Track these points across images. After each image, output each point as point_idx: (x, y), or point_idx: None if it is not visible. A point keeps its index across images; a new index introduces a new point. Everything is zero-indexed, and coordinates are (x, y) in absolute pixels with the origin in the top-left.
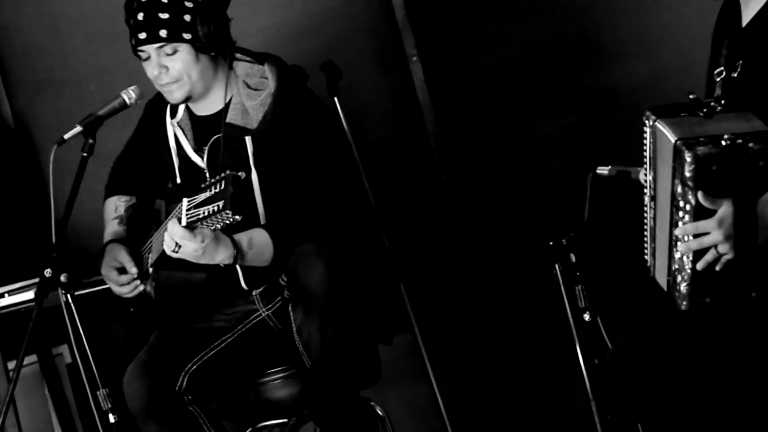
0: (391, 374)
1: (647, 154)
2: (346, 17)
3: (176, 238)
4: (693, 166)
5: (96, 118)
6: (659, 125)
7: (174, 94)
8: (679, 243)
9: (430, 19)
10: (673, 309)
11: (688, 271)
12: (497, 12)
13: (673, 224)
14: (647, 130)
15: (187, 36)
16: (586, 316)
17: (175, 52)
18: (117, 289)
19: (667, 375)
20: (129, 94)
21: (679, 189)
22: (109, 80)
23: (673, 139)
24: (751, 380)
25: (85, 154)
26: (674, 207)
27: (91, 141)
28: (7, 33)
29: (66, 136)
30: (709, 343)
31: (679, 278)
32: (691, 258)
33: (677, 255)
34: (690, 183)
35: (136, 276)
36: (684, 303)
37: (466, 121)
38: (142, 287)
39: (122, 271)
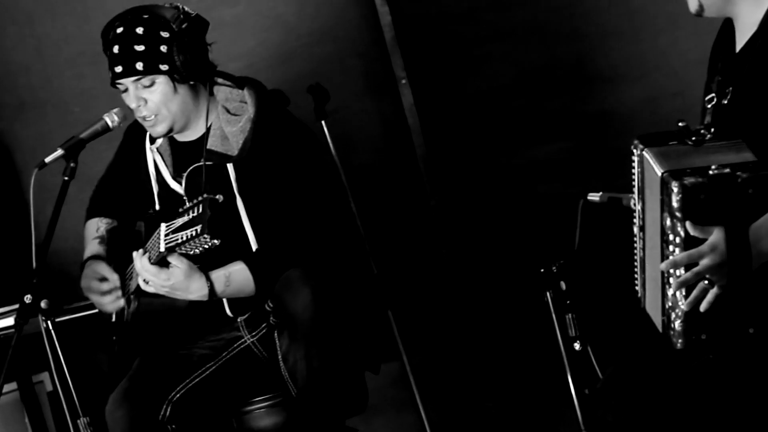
0: (378, 403)
1: (636, 183)
2: (334, 39)
3: (145, 275)
4: (680, 195)
5: (78, 141)
6: (646, 155)
7: (156, 128)
8: (671, 279)
9: (420, 41)
10: (663, 340)
11: (682, 307)
12: (489, 35)
13: (665, 260)
14: (635, 159)
15: (164, 67)
16: (577, 345)
17: (152, 83)
18: (99, 300)
19: (658, 407)
20: (112, 117)
21: (668, 222)
22: (92, 102)
23: (659, 171)
24: (744, 413)
25: (66, 178)
26: (664, 242)
27: (72, 164)
28: None
29: (47, 160)
30: (702, 375)
31: (673, 315)
32: (684, 293)
33: (670, 292)
34: (678, 214)
35: (117, 284)
36: (679, 341)
37: (456, 145)
38: (122, 301)
39: (103, 281)
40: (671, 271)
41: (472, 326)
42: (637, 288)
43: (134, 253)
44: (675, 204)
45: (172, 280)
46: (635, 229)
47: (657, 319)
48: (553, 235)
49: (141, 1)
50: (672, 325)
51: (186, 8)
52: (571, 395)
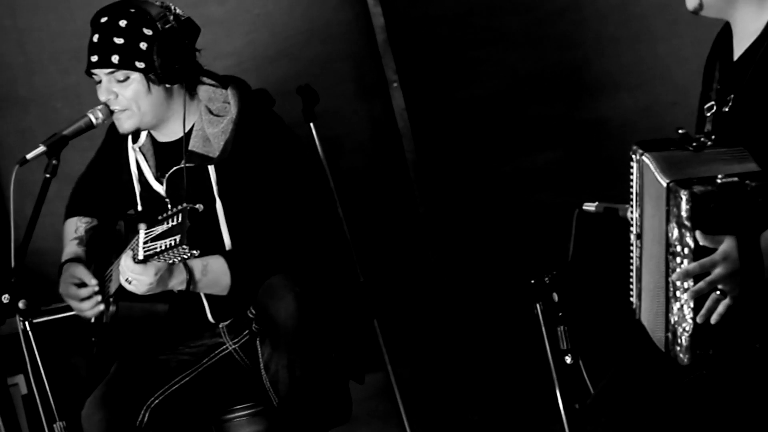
0: (362, 414)
1: (633, 190)
2: (325, 40)
3: (129, 275)
4: (690, 204)
5: (60, 138)
6: (646, 160)
7: (123, 124)
8: (678, 292)
9: (413, 43)
10: (659, 353)
11: (690, 321)
12: (484, 39)
13: (671, 274)
14: (634, 165)
15: (140, 65)
16: (568, 359)
17: (126, 78)
18: (77, 306)
19: (651, 423)
20: (96, 114)
21: (675, 233)
22: (75, 99)
23: (665, 181)
24: (740, 430)
25: (48, 176)
26: (671, 255)
27: (54, 162)
28: None
29: (29, 156)
30: (697, 390)
31: (679, 330)
32: (692, 306)
33: (676, 306)
34: (687, 223)
35: (96, 288)
36: (686, 357)
37: (447, 151)
38: (102, 306)
39: (82, 286)
40: (678, 284)
41: (460, 337)
42: (631, 299)
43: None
44: (684, 213)
45: (160, 272)
46: (632, 237)
47: (657, 335)
48: (545, 246)
49: None
50: (678, 341)
51: (177, 10)
52: (559, 410)
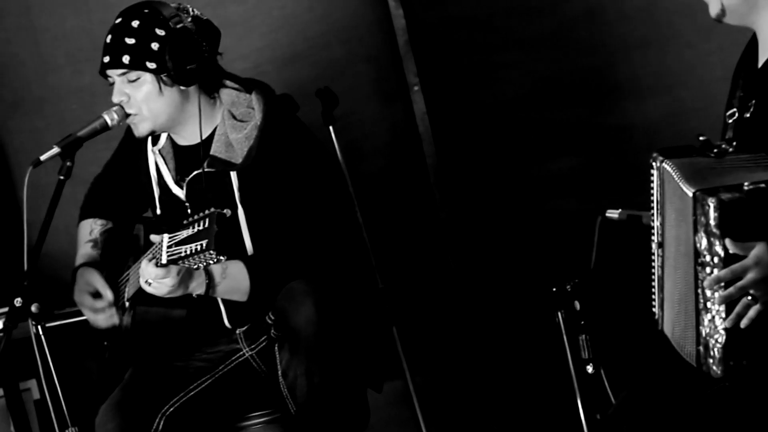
0: (379, 423)
1: (654, 198)
2: (345, 42)
3: (150, 279)
4: (718, 212)
5: (75, 140)
6: (667, 167)
7: (137, 128)
8: (708, 303)
9: (434, 47)
10: (681, 364)
11: (722, 332)
12: (507, 43)
13: (700, 286)
14: (654, 172)
15: (151, 65)
16: (589, 368)
17: (138, 79)
18: (92, 316)
19: None
20: (111, 115)
21: (704, 242)
22: (90, 99)
23: (691, 191)
24: None
25: (62, 177)
26: (699, 265)
27: (69, 163)
28: None
29: (42, 158)
30: (721, 401)
31: (711, 342)
32: (723, 316)
33: (707, 318)
34: (716, 231)
35: (111, 301)
36: (719, 369)
37: (468, 156)
38: (116, 319)
39: (97, 295)
40: (709, 293)
41: (480, 345)
42: (654, 309)
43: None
44: (713, 222)
45: (181, 273)
46: (653, 246)
47: (687, 350)
48: (567, 253)
49: None
50: (711, 353)
51: (196, 11)
52: (580, 420)
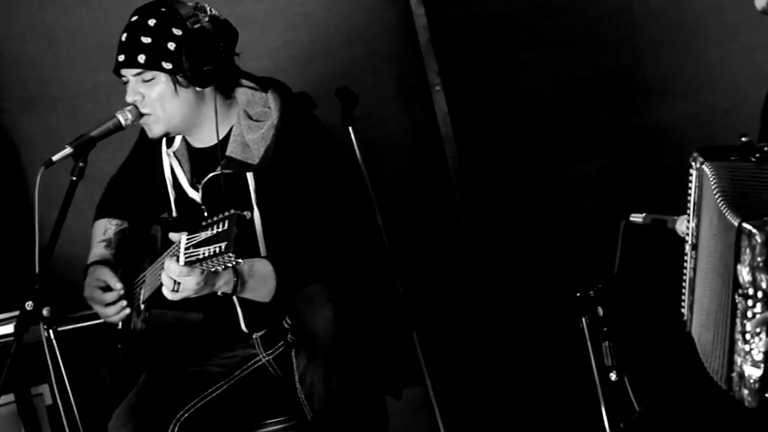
0: (398, 430)
1: (692, 198)
2: (365, 40)
3: (174, 276)
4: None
5: (88, 140)
6: (708, 171)
7: (151, 129)
8: (748, 335)
9: (457, 45)
10: (705, 371)
11: (761, 367)
12: (531, 42)
13: (739, 315)
14: (693, 173)
15: (167, 65)
16: (613, 375)
17: (152, 79)
18: (102, 311)
19: None
20: (125, 115)
21: (747, 275)
22: (104, 99)
23: (736, 221)
24: None
25: (74, 178)
26: (741, 296)
27: (81, 164)
28: None
29: (55, 158)
30: (747, 411)
31: (747, 372)
32: (762, 350)
33: (745, 348)
34: (762, 265)
35: (122, 293)
36: (755, 401)
37: (490, 157)
38: (128, 310)
39: (107, 290)
40: (748, 327)
41: (501, 352)
42: (683, 311)
43: (158, 262)
44: (760, 258)
45: (206, 271)
46: (686, 248)
47: (713, 365)
48: (591, 257)
49: None
50: (747, 383)
51: (213, 11)
52: (604, 429)
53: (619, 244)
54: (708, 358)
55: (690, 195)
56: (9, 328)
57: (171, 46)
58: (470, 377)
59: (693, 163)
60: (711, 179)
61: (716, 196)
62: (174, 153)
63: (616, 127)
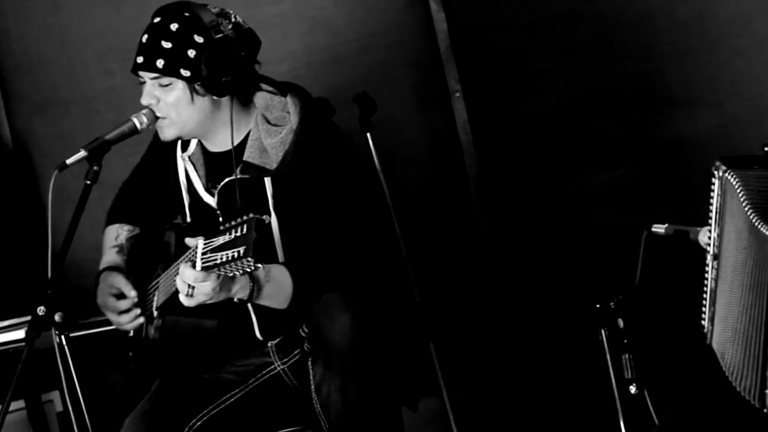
0: None
1: (713, 208)
2: (384, 46)
3: (189, 281)
4: None
5: (103, 143)
6: (731, 179)
7: (163, 132)
8: None
9: (477, 52)
10: (727, 384)
11: None
12: (552, 49)
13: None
14: (715, 182)
15: (185, 73)
16: (633, 388)
17: (170, 84)
18: (115, 319)
19: None
20: (141, 119)
21: None
22: (119, 102)
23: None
24: None
25: (88, 182)
26: None
27: (96, 168)
28: (9, 44)
29: (68, 161)
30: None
31: None
32: None
33: None
34: None
35: (136, 300)
36: None
37: (510, 166)
38: (142, 319)
39: (120, 297)
40: None
41: (519, 363)
42: (703, 323)
43: (172, 268)
44: None
45: (221, 276)
46: (708, 258)
47: (744, 383)
48: (611, 268)
49: None
50: None
51: (238, 18)
52: None
53: (641, 255)
54: (738, 376)
55: (712, 204)
56: (20, 334)
57: (191, 53)
58: (487, 388)
59: (715, 172)
60: (737, 189)
61: (746, 208)
62: (189, 157)
63: (638, 136)
